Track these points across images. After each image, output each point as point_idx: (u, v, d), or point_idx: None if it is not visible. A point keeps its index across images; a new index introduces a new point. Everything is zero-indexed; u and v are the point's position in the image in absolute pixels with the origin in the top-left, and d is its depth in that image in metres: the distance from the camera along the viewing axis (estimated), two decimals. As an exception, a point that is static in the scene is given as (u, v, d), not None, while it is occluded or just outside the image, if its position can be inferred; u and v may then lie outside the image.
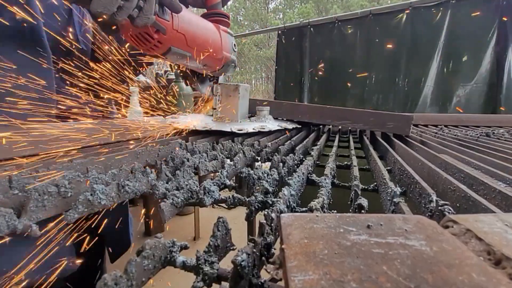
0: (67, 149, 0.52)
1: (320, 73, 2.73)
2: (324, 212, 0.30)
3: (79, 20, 0.72)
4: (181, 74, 0.78)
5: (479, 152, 0.54)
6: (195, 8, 0.73)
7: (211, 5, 0.67)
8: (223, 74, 0.78)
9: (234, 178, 0.47)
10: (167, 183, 0.38)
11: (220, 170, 0.43)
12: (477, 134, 0.87)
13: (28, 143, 0.47)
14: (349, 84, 2.57)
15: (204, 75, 0.78)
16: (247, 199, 0.34)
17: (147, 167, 0.40)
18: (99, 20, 0.45)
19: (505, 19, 1.91)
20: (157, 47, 0.54)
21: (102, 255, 0.80)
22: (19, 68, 0.57)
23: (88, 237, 0.54)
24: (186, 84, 0.81)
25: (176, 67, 0.77)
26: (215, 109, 0.89)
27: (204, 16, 0.68)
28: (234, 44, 0.71)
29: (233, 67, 0.75)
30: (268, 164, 0.55)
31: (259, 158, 0.59)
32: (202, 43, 0.61)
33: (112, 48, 0.75)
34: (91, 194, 0.30)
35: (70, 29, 0.69)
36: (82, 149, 0.54)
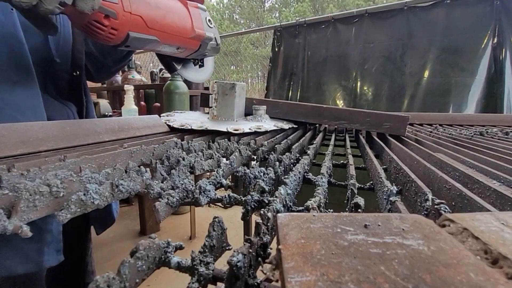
0: (58, 148, 0.51)
1: (314, 71, 2.73)
2: (321, 211, 0.30)
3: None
4: (161, 62, 0.72)
5: (473, 151, 0.55)
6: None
7: None
8: (205, 55, 0.71)
9: (230, 177, 0.47)
10: (162, 182, 0.38)
11: (216, 169, 0.43)
12: (471, 133, 0.87)
13: (20, 142, 0.46)
14: (344, 83, 2.58)
15: (184, 60, 0.71)
16: (243, 198, 0.34)
17: (141, 166, 0.40)
18: (29, 14, 0.40)
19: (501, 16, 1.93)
20: (114, 35, 0.48)
21: (87, 234, 0.83)
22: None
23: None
24: (170, 72, 0.74)
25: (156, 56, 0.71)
26: (211, 107, 0.88)
27: None
28: (209, 20, 0.64)
29: (215, 47, 0.69)
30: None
31: (255, 157, 0.58)
32: (167, 23, 0.54)
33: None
34: (84, 194, 0.30)
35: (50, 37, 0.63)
36: (74, 148, 0.53)
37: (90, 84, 1.03)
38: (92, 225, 0.79)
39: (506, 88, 1.94)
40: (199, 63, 0.75)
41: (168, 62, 0.70)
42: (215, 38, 0.67)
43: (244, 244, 0.20)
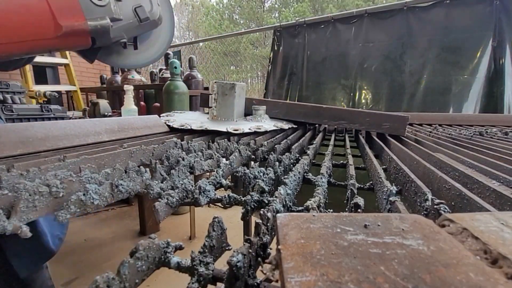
0: (58, 148, 0.51)
1: (314, 70, 2.74)
2: (321, 211, 0.30)
3: None
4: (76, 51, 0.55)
5: (473, 151, 0.55)
6: None
7: None
8: (123, 40, 0.50)
9: (230, 177, 0.47)
10: (162, 182, 0.38)
11: (215, 169, 0.43)
12: (470, 133, 0.87)
13: (20, 142, 0.46)
14: (343, 82, 2.59)
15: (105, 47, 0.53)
16: (243, 199, 0.34)
17: (141, 166, 0.40)
18: None
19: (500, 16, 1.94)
20: None
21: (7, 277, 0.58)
22: None
23: None
24: (89, 62, 0.58)
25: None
26: (211, 107, 0.88)
27: None
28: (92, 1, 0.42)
29: (140, 24, 0.47)
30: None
31: (255, 157, 0.58)
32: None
33: None
34: (84, 194, 0.30)
35: None
36: (74, 148, 0.53)
37: (89, 84, 1.02)
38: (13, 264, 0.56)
39: (506, 88, 1.94)
40: (133, 44, 0.55)
41: (83, 54, 0.53)
42: (134, 10, 0.46)
43: (244, 244, 0.20)
